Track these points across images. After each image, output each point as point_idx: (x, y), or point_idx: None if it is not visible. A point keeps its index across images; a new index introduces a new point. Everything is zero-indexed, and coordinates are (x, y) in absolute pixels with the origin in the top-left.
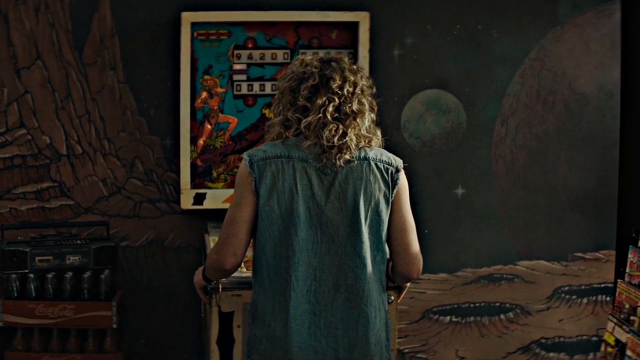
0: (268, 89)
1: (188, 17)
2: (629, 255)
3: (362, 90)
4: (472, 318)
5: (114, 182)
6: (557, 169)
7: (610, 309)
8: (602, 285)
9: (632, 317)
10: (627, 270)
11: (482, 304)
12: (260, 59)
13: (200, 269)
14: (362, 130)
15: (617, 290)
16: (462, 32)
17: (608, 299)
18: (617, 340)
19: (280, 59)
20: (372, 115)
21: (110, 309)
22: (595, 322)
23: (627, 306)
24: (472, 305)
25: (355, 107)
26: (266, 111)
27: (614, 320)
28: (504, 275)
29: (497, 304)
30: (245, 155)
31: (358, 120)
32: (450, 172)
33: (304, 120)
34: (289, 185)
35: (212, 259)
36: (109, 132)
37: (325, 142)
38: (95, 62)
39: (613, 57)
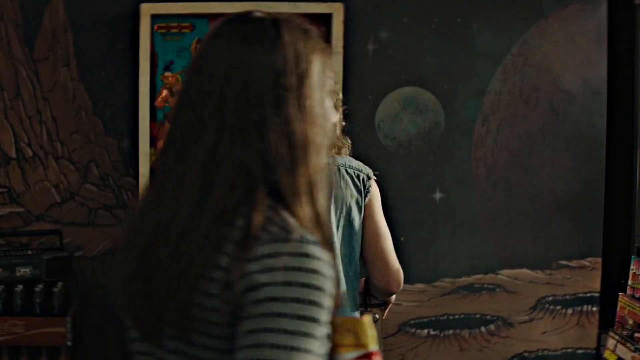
0: None
1: (148, 9)
2: (632, 267)
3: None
4: (451, 331)
5: (67, 188)
6: (540, 171)
7: (596, 319)
8: (588, 295)
9: (636, 334)
10: (630, 282)
11: (462, 315)
12: None
13: None
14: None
15: (619, 304)
16: (441, 25)
17: (594, 309)
18: (620, 359)
19: None
20: (342, 122)
21: (64, 325)
22: (580, 333)
23: (630, 322)
24: (451, 317)
25: None
26: None
27: (616, 337)
28: (485, 285)
29: (478, 316)
30: None
31: None
32: (428, 175)
33: None
34: None
35: None
36: (61, 133)
37: None
38: (47, 58)
39: (599, 53)
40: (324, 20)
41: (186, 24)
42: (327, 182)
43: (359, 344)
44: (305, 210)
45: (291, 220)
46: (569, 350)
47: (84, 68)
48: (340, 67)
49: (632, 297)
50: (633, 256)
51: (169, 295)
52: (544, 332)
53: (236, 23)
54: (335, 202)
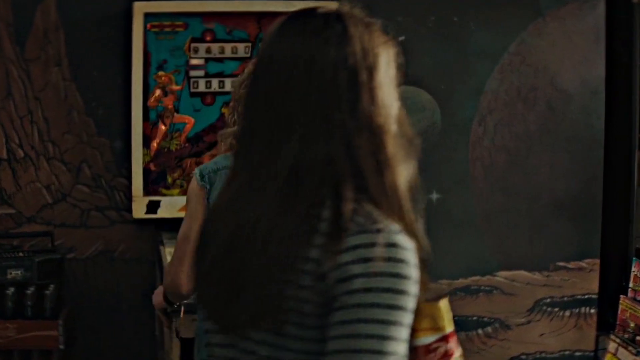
0: (228, 86)
1: (141, 7)
2: (633, 269)
3: None
4: None
5: (59, 189)
6: (538, 171)
7: (594, 321)
8: (586, 297)
9: (638, 337)
10: (631, 285)
11: (458, 318)
12: (220, 53)
13: (161, 287)
14: None
15: (620, 307)
16: (437, 24)
17: (592, 311)
18: None
19: (241, 53)
20: None
21: (56, 328)
22: (578, 336)
23: (632, 325)
24: None
25: None
26: (226, 110)
27: (617, 340)
28: (482, 287)
29: (475, 318)
30: (195, 170)
31: None
32: (425, 175)
33: None
34: None
35: (166, 282)
36: (53, 134)
37: None
38: (38, 57)
39: (597, 52)
40: None
41: (179, 23)
42: (406, 172)
43: (436, 327)
44: (388, 200)
45: (375, 212)
46: (567, 352)
47: (76, 67)
48: None
49: (634, 299)
50: (634, 258)
51: (259, 289)
52: (542, 335)
53: (302, 19)
54: None
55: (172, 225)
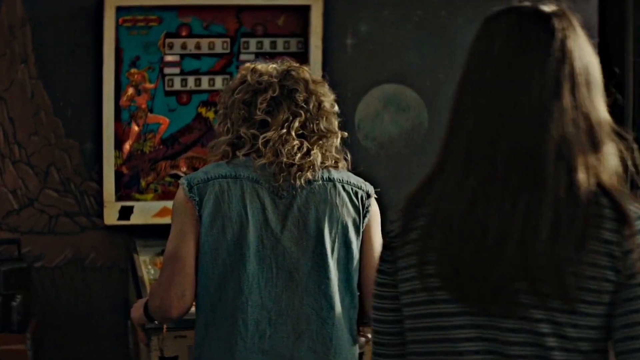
0: (205, 84)
1: (112, 1)
2: None
3: (331, 105)
4: None
5: (26, 194)
6: None
7: None
8: None
9: None
10: None
11: None
12: (196, 49)
13: (142, 301)
14: (329, 151)
15: None
16: (424, 19)
17: None
18: None
19: (218, 49)
20: (344, 133)
21: (24, 342)
22: None
23: None
24: None
25: (323, 124)
26: (202, 110)
27: None
28: None
29: None
30: (182, 180)
31: (326, 139)
32: (411, 178)
33: (261, 136)
34: (237, 209)
35: (154, 305)
36: (19, 135)
37: (284, 159)
38: (3, 54)
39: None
40: (302, 13)
41: (153, 17)
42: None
43: None
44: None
45: (632, 199)
46: None
47: (43, 65)
48: (319, 63)
49: None
50: None
51: (548, 271)
52: None
53: (539, 14)
54: (330, 222)
55: (146, 231)
